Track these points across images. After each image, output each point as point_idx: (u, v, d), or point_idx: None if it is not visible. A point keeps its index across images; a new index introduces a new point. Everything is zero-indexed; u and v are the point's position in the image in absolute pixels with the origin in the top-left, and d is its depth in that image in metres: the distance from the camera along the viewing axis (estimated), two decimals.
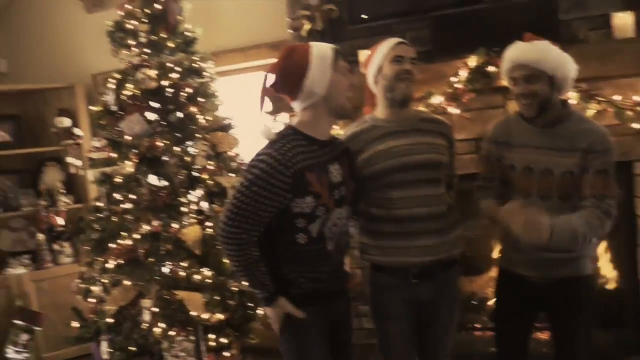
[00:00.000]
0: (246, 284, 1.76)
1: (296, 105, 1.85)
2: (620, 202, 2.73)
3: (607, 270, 3.11)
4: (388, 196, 1.95)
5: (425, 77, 2.80)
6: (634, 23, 2.68)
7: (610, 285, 3.09)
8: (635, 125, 2.64)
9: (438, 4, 2.87)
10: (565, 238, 1.79)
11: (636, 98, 2.65)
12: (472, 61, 2.73)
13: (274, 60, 1.84)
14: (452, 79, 2.78)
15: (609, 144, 1.88)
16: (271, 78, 1.83)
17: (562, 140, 1.90)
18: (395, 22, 2.99)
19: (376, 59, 2.00)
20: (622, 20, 2.70)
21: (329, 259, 1.86)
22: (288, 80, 1.80)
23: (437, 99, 2.76)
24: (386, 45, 2.00)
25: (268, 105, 1.89)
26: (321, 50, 1.80)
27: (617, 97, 2.65)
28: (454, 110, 2.81)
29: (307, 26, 3.06)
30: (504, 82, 2.72)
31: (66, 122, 3.93)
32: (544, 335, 2.88)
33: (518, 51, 1.91)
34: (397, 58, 1.96)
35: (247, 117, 3.39)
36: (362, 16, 3.00)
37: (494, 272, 3.22)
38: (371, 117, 2.07)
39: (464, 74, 2.75)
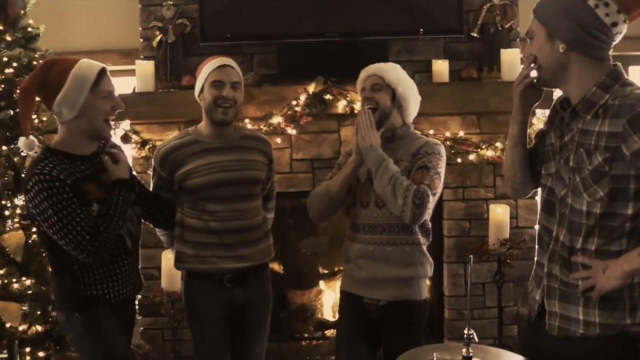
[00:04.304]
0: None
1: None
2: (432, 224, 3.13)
3: None
4: (206, 209, 2.01)
5: (269, 98, 2.99)
6: (448, 70, 3.12)
7: None
8: None
9: (286, 34, 3.07)
10: (377, 163, 1.89)
11: (447, 134, 3.08)
12: (311, 88, 2.96)
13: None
14: (293, 102, 2.98)
15: (437, 150, 1.99)
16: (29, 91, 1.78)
17: (399, 152, 2.01)
18: (246, 44, 3.14)
19: (199, 80, 2.04)
20: (440, 67, 3.13)
21: (129, 256, 1.89)
22: (42, 95, 1.77)
23: (277, 119, 2.93)
24: (207, 68, 2.02)
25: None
26: (83, 70, 1.74)
27: (431, 132, 3.05)
28: (292, 131, 3.01)
29: (158, 37, 3.08)
30: (339, 110, 3.02)
31: None
32: None
33: (371, 65, 2.08)
34: (216, 83, 1.99)
35: None
36: None
37: (322, 287, 3.45)
38: (194, 131, 2.10)
39: (303, 98, 2.96)
